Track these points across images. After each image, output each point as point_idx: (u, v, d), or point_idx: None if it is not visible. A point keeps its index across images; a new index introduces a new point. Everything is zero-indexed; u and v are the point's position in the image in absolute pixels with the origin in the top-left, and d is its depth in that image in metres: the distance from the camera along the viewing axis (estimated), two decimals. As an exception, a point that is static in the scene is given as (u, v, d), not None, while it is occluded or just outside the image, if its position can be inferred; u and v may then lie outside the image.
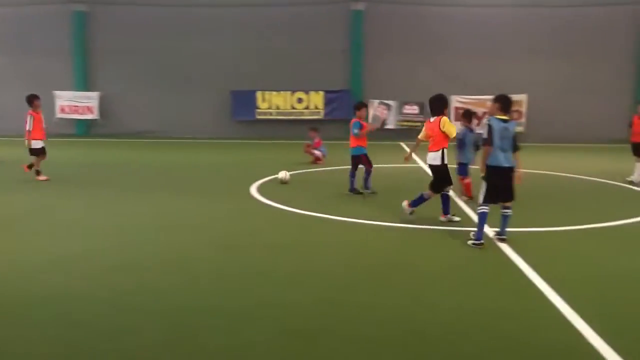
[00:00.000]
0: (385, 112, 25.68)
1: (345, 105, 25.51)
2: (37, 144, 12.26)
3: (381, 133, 25.44)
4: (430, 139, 8.33)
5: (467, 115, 10.44)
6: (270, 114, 25.87)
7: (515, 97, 24.29)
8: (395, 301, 5.23)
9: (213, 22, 25.81)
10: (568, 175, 13.80)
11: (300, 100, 25.72)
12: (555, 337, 4.46)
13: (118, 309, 4.97)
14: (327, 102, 25.62)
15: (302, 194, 10.96)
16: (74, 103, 26.34)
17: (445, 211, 8.47)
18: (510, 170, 7.08)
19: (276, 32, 25.62)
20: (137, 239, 7.49)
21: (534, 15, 24.88)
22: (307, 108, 25.72)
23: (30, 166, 12.42)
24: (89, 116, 26.45)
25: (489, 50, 25.02)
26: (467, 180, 10.04)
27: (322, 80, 25.57)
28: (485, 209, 7.06)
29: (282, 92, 25.61)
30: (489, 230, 7.47)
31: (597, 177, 13.26)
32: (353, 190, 10.75)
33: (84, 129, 26.81)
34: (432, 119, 8.39)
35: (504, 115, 7.10)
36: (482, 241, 6.99)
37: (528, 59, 24.94)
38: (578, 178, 13.37)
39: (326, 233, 7.90)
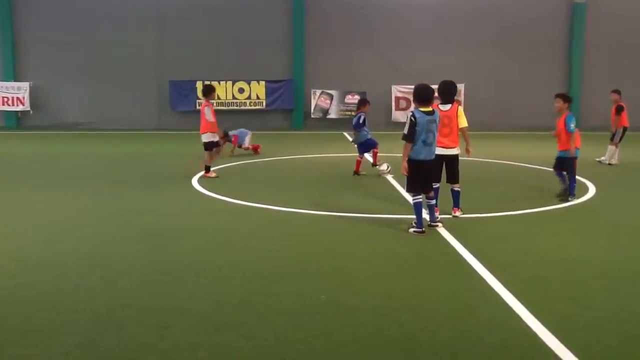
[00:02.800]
0: (327, 101, 25.68)
1: (288, 95, 25.38)
2: (213, 137, 11.42)
3: (323, 123, 25.51)
4: (448, 128, 7.71)
5: (364, 103, 11.86)
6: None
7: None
8: (327, 288, 5.17)
9: (149, 9, 25.09)
10: (504, 162, 14.14)
11: (241, 91, 25.35)
12: (491, 317, 4.50)
13: (40, 309, 4.69)
14: (269, 93, 25.36)
15: (243, 185, 10.81)
16: (3, 94, 25.09)
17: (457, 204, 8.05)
18: (431, 163, 7.05)
19: (216, 20, 25.15)
20: (63, 234, 7.13)
21: (474, 6, 25.35)
22: (248, 98, 25.39)
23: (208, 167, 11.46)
24: (20, 108, 25.27)
25: (429, 40, 25.34)
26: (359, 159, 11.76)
27: (263, 70, 25.31)
28: (419, 198, 7.07)
29: (223, 82, 25.18)
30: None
31: (533, 164, 13.63)
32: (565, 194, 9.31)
33: (14, 121, 25.61)
34: (445, 107, 7.74)
35: (426, 106, 6.95)
36: (422, 229, 7.02)
37: (466, 49, 25.39)
38: (514, 165, 13.72)
39: (261, 223, 7.74)
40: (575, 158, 9.24)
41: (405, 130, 6.89)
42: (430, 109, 6.97)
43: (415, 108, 7.04)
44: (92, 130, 24.16)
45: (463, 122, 7.89)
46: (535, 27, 25.51)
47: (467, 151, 8.11)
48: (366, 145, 11.77)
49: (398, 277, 5.53)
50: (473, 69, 25.30)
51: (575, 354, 3.89)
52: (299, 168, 13.03)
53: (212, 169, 11.58)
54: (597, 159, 13.85)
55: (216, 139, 11.56)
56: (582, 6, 25.37)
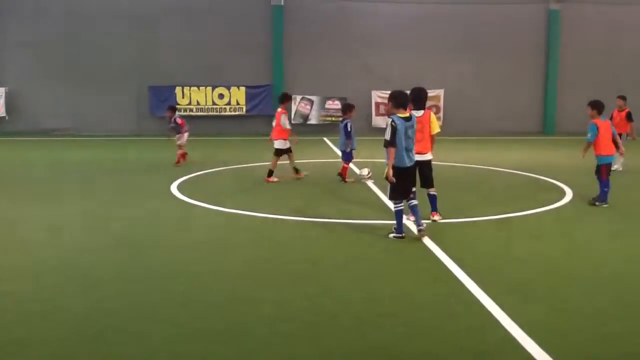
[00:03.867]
0: (307, 107, 25.70)
1: (268, 101, 25.34)
2: (285, 144, 11.72)
3: (304, 128, 25.50)
4: (420, 133, 7.59)
5: (350, 108, 11.79)
6: (191, 110, 25.27)
7: (433, 92, 25.05)
8: (308, 294, 5.17)
9: (128, 14, 24.86)
10: (484, 167, 14.26)
11: (221, 96, 25.25)
12: (470, 322, 4.53)
13: (15, 319, 4.61)
14: (249, 98, 25.31)
15: (222, 191, 10.76)
16: (-23, 100, 24.67)
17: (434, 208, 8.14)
18: (412, 169, 7.09)
19: (195, 25, 25.03)
20: (40, 242, 7.03)
21: (452, 12, 25.57)
22: (228, 104, 25.31)
23: (296, 170, 12.01)
24: (-5, 113, 24.85)
25: (408, 45, 25.50)
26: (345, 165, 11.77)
27: (243, 75, 25.24)
28: (400, 206, 7.06)
29: (202, 87, 25.07)
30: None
31: (511, 169, 13.77)
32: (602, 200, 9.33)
33: (-11, 127, 25.17)
34: (418, 113, 7.60)
35: (403, 111, 6.95)
36: (402, 234, 7.04)
37: (445, 55, 25.60)
38: (493, 170, 13.84)
39: (241, 230, 7.73)
40: (599, 165, 9.32)
41: (387, 137, 6.87)
42: (407, 114, 7.00)
43: (392, 114, 7.05)
44: (70, 136, 23.84)
45: (436, 128, 8.02)
46: (513, 33, 25.80)
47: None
48: (345, 154, 11.73)
49: (378, 282, 5.54)
50: (452, 75, 25.52)
51: (554, 358, 3.93)
52: (279, 174, 13.01)
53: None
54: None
55: (287, 146, 11.80)
56: (557, 12, 25.76)
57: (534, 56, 26.13)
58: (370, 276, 5.74)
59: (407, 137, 6.93)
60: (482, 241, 7.14)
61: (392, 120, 6.88)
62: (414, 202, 7.24)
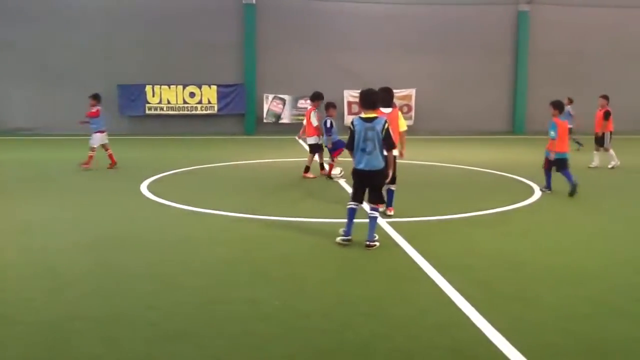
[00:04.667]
0: (280, 106, 25.65)
1: (240, 100, 25.22)
2: (318, 140, 12.13)
3: (276, 127, 25.46)
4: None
5: (330, 106, 12.02)
6: (161, 108, 25.01)
7: (405, 91, 25.26)
8: (280, 295, 5.15)
9: (96, 12, 24.49)
10: (455, 166, 14.41)
11: (192, 95, 25.04)
12: (442, 320, 4.56)
13: (-19, 322, 4.51)
14: (221, 97, 25.14)
15: (194, 191, 10.67)
16: (-61, 98, 23.99)
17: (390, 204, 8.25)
18: (372, 174, 6.65)
19: (167, 24, 24.77)
20: (5, 245, 6.85)
21: (423, 12, 25.80)
22: (200, 103, 25.10)
23: (321, 166, 12.30)
24: (-42, 112, 24.20)
25: (380, 45, 25.65)
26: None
27: (215, 74, 25.06)
28: (351, 204, 6.79)
29: (173, 86, 24.81)
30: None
31: (481, 168, 13.94)
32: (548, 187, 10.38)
33: (-49, 126, 24.51)
34: (385, 110, 7.70)
35: (371, 112, 6.68)
36: (349, 237, 6.74)
37: (417, 55, 25.83)
38: (464, 169, 13.99)
39: (213, 230, 7.65)
40: (555, 159, 10.05)
41: (348, 138, 6.87)
42: (372, 115, 6.67)
43: (358, 115, 7.00)
44: (36, 135, 23.38)
45: (403, 126, 8.14)
46: (483, 33, 26.16)
47: (401, 154, 8.24)
48: (336, 146, 11.74)
49: (351, 281, 5.55)
50: (423, 74, 25.75)
51: (523, 354, 3.98)
52: (252, 173, 12.96)
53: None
54: (590, 166, 14.01)
55: (317, 141, 12.17)
56: (526, 14, 26.18)
57: (503, 56, 26.53)
58: (343, 275, 5.75)
59: (366, 139, 6.57)
60: (453, 239, 7.20)
61: (352, 122, 6.78)
62: (373, 213, 6.67)
